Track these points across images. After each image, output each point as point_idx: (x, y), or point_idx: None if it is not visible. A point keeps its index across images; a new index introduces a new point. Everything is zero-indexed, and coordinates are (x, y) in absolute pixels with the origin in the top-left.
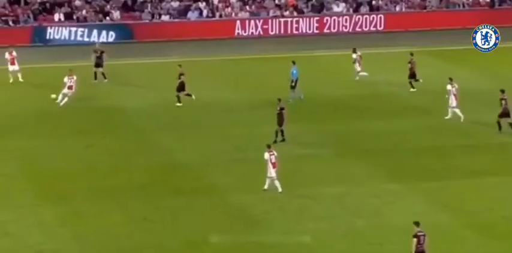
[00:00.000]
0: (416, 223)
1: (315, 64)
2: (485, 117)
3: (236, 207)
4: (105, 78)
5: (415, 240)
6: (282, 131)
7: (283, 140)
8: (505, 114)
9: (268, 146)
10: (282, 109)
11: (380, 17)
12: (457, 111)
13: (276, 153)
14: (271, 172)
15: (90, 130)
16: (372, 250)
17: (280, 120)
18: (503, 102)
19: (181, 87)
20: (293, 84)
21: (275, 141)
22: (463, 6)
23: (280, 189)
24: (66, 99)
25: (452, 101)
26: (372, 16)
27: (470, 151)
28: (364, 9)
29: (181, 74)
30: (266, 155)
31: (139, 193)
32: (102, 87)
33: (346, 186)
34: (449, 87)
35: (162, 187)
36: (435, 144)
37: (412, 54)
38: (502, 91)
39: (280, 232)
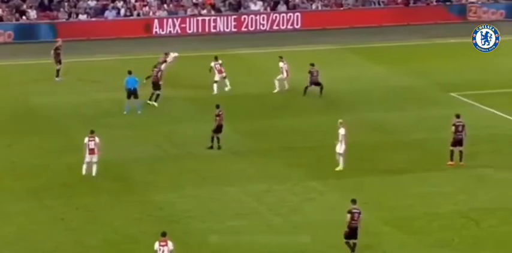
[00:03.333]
0: (353, 201)
1: (234, 62)
2: (404, 114)
3: (156, 205)
4: (57, 76)
5: (348, 215)
6: (218, 138)
7: (219, 148)
8: (457, 142)
9: (92, 132)
10: (217, 116)
11: (297, 15)
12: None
13: (97, 140)
14: (90, 157)
15: (11, 130)
16: (290, 246)
17: (217, 127)
18: (458, 128)
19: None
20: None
21: (211, 147)
22: (379, 4)
23: (94, 173)
24: None
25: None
26: (289, 14)
27: (390, 148)
28: (281, 7)
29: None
30: (86, 139)
31: (61, 193)
32: (22, 87)
33: (267, 184)
34: (281, 64)
35: (83, 186)
36: (355, 141)
37: (313, 65)
38: (457, 116)
39: (200, 230)
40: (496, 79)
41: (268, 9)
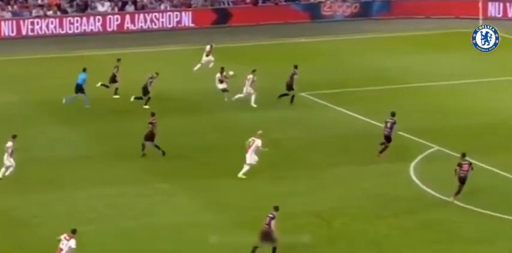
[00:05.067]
0: (275, 208)
1: (81, 64)
2: (257, 114)
3: (1, 210)
4: None
5: (267, 219)
6: (143, 145)
7: (144, 155)
8: (384, 138)
9: None
10: (150, 123)
11: (145, 16)
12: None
13: None
14: None
15: None
16: (142, 249)
17: (148, 135)
18: (387, 125)
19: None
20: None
21: (143, 154)
22: (228, 3)
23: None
24: None
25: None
26: (137, 15)
27: (238, 150)
28: (129, 8)
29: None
30: None
31: None
32: None
33: (118, 187)
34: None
35: None
36: (211, 142)
37: (118, 60)
38: (392, 114)
39: (48, 236)
40: (346, 78)
41: (116, 9)
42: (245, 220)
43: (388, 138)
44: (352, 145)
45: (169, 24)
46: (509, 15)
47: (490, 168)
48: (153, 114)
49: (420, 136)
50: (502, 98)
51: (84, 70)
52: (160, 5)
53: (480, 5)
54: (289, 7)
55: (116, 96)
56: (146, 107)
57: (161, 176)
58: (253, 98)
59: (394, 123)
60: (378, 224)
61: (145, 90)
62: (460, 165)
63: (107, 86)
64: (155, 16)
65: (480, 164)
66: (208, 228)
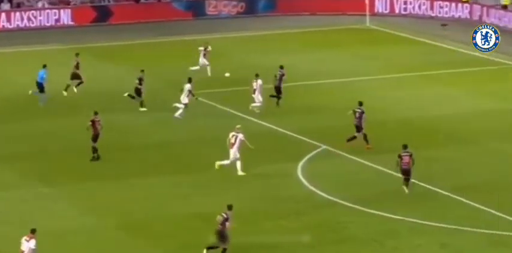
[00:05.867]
0: (228, 207)
1: None
2: (139, 115)
3: None
4: None
5: (218, 217)
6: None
7: (98, 158)
8: (355, 128)
9: None
10: (92, 121)
11: (21, 14)
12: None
13: None
14: None
15: None
16: None
17: (93, 135)
18: (356, 115)
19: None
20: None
21: (96, 158)
22: (109, 1)
23: None
24: None
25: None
26: (12, 13)
27: (123, 152)
28: (4, 6)
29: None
30: None
31: None
32: None
33: None
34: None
35: None
36: (85, 145)
37: (77, 55)
38: (360, 103)
39: None
40: (232, 77)
41: None
42: (129, 224)
43: (358, 128)
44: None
45: (48, 22)
46: (396, 12)
47: (378, 166)
48: (95, 113)
49: (307, 135)
50: (392, 96)
51: (44, 66)
52: (37, 2)
53: (367, 1)
54: (171, 5)
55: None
56: (143, 109)
57: (40, 180)
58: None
59: (362, 112)
60: (266, 226)
61: (138, 91)
62: (400, 156)
63: (69, 86)
64: (32, 14)
65: (367, 163)
66: (91, 233)
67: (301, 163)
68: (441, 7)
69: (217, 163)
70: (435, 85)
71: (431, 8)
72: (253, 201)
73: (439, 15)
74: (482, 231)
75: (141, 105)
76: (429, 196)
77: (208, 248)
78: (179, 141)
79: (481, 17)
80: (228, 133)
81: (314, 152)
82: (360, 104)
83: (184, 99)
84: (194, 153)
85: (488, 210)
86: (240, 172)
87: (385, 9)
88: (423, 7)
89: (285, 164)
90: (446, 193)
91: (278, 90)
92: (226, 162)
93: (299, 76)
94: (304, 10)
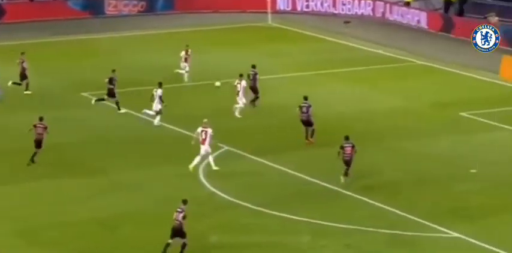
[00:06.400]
0: (184, 201)
1: None
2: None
3: None
4: None
5: (175, 214)
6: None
7: (33, 162)
8: (303, 123)
9: None
10: (34, 126)
11: None
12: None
13: None
14: None
15: None
16: None
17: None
18: (303, 109)
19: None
20: None
21: (32, 161)
22: None
23: None
24: None
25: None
26: None
27: (15, 155)
28: None
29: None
30: None
31: None
32: None
33: None
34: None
35: None
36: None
37: (22, 54)
38: (305, 98)
39: None
40: (132, 77)
41: None
42: (24, 230)
43: (307, 123)
44: (139, 148)
45: None
46: (298, 9)
47: (280, 167)
48: (41, 119)
49: None
50: (296, 94)
51: None
52: None
53: None
54: (67, 4)
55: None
56: (122, 111)
57: None
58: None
59: (309, 106)
60: (168, 229)
61: (111, 92)
62: (342, 147)
63: (19, 84)
64: None
65: (270, 164)
66: None
67: (202, 165)
68: (344, 4)
69: (190, 166)
70: (338, 83)
71: (334, 5)
72: (154, 203)
73: (341, 12)
74: (385, 231)
75: (118, 107)
76: (332, 197)
77: (163, 251)
78: (73, 143)
79: (384, 14)
80: (126, 133)
81: (216, 153)
82: (305, 98)
83: (156, 105)
84: (89, 155)
85: (392, 209)
86: (214, 167)
87: (287, 7)
88: (325, 4)
89: (186, 165)
90: (349, 193)
91: (254, 90)
92: (197, 160)
93: (199, 75)
94: (205, 8)
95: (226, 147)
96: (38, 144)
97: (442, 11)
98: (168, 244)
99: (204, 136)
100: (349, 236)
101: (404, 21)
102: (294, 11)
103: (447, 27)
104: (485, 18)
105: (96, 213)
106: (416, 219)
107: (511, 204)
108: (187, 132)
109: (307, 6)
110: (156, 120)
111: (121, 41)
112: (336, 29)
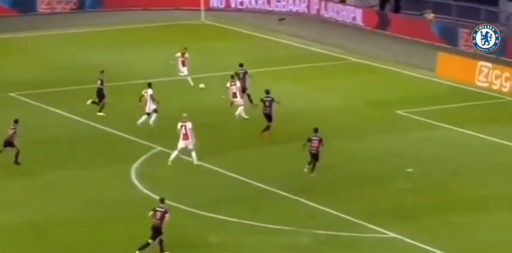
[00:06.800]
0: (161, 200)
1: None
2: None
3: None
4: None
5: (151, 212)
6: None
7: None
8: (265, 116)
9: None
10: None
11: None
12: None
13: None
14: None
15: None
16: None
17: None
18: (266, 103)
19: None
20: None
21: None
22: None
23: None
24: None
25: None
26: None
27: None
28: None
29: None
30: None
31: None
32: None
33: None
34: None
35: None
36: None
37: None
38: (267, 92)
39: None
40: (59, 76)
41: None
42: None
43: (269, 117)
44: (69, 149)
45: None
46: (232, 6)
47: (215, 168)
48: (15, 121)
49: (141, 137)
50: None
51: None
52: None
53: None
54: None
55: None
56: (101, 114)
57: None
58: None
59: (272, 100)
60: (99, 233)
61: (100, 94)
62: (310, 140)
63: None
64: None
65: (204, 164)
66: None
67: (135, 166)
68: (278, 1)
69: (169, 161)
70: (274, 81)
71: (268, 2)
72: (86, 206)
73: (276, 9)
74: (321, 231)
75: (100, 109)
76: (267, 198)
77: (140, 249)
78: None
79: (319, 11)
80: (51, 134)
81: (148, 154)
82: (267, 92)
83: (150, 106)
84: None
85: (328, 210)
86: (196, 162)
87: (221, 4)
88: (260, 1)
89: (118, 167)
90: (285, 194)
91: (243, 89)
92: (174, 154)
93: (129, 74)
94: (135, 5)
95: (159, 148)
96: (5, 144)
97: (377, 8)
98: (147, 244)
99: (184, 131)
100: (284, 237)
101: (340, 18)
102: (227, 8)
103: (383, 24)
104: (422, 14)
105: (26, 217)
106: (352, 219)
107: (446, 203)
108: (117, 132)
109: (241, 3)
110: (152, 120)
111: (50, 39)
112: (270, 26)
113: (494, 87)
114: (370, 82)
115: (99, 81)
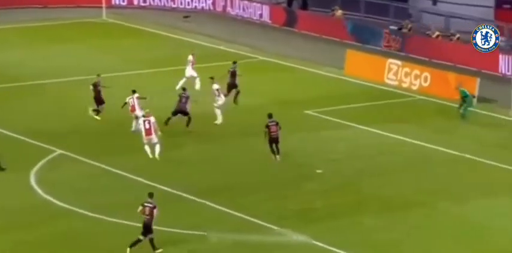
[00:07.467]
0: (150, 195)
1: None
2: None
3: None
4: None
5: (140, 208)
6: None
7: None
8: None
9: None
10: None
11: None
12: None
13: None
14: None
15: None
16: None
17: None
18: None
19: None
20: None
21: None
22: None
23: None
24: None
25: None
26: None
27: None
28: None
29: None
30: None
31: None
32: None
33: None
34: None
35: None
36: None
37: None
38: (184, 89)
39: None
40: None
41: None
42: None
43: (183, 112)
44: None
45: None
46: (135, 3)
47: (117, 171)
48: None
49: (40, 139)
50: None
51: None
52: None
53: None
54: None
55: None
56: (98, 117)
57: None
58: None
59: (187, 97)
60: (1, 240)
61: (98, 99)
62: (268, 126)
63: None
64: None
65: (107, 167)
66: None
67: (34, 170)
68: None
69: (155, 156)
70: (177, 80)
71: None
72: None
73: (180, 6)
74: (229, 235)
75: (93, 111)
76: (173, 201)
77: (131, 246)
78: None
79: (225, 7)
80: None
81: (48, 157)
82: (184, 89)
83: (140, 111)
84: None
85: (236, 213)
86: (156, 155)
87: (123, 1)
88: None
89: (15, 172)
90: (191, 197)
91: (234, 86)
92: (148, 150)
93: (26, 75)
94: (34, 3)
95: (59, 151)
96: None
97: (285, 5)
98: (139, 240)
99: (148, 126)
100: (190, 241)
101: (246, 16)
102: (130, 5)
103: (291, 21)
104: (332, 11)
105: None
106: (261, 222)
107: (355, 205)
108: (15, 135)
109: (144, 1)
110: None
111: None
112: (175, 24)
113: (404, 85)
114: (278, 81)
115: (92, 86)
